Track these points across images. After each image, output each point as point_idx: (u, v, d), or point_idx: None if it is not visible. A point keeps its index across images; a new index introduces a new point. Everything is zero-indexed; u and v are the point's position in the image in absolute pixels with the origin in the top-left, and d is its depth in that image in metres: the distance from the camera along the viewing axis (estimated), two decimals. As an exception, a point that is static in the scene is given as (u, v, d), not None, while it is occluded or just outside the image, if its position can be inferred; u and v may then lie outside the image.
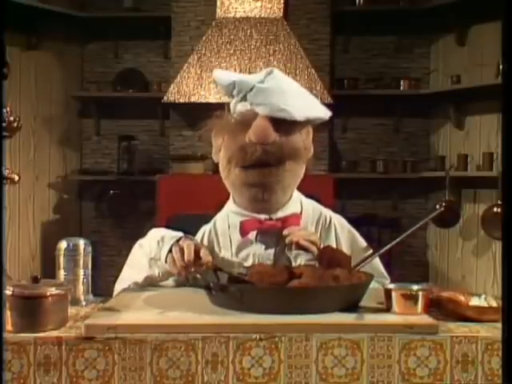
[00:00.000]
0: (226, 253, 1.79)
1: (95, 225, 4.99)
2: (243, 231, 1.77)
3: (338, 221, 1.88)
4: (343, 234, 1.85)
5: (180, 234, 1.63)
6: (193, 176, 4.34)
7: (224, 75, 1.76)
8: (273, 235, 1.75)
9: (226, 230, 1.81)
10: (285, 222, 1.74)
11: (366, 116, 4.87)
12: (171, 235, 1.62)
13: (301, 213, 1.81)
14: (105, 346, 1.28)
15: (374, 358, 1.30)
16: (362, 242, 1.87)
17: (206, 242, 1.80)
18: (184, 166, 4.41)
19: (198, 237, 1.81)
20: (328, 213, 1.88)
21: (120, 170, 4.79)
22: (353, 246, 1.84)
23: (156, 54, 4.94)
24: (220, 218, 1.85)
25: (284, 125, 1.66)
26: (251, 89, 1.67)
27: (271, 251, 1.75)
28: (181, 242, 1.57)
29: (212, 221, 1.86)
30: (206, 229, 1.84)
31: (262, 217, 1.76)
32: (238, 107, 1.74)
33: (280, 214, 1.77)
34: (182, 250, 1.54)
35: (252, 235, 1.76)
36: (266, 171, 1.68)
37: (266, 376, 1.29)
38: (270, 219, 1.76)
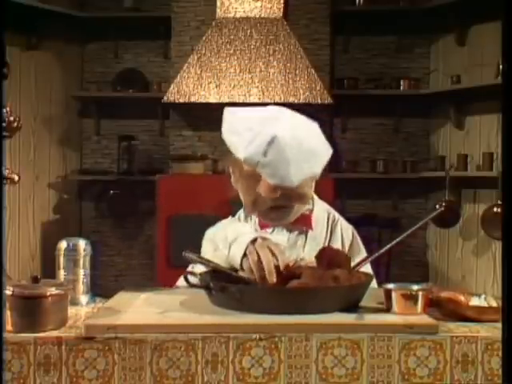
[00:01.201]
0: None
1: (95, 225, 4.99)
2: (261, 223, 1.99)
3: (344, 222, 2.07)
4: (347, 233, 2.03)
5: (251, 232, 1.81)
6: (193, 176, 4.34)
7: (237, 146, 1.86)
8: (286, 227, 1.98)
9: (251, 223, 2.02)
10: (297, 220, 1.97)
11: (365, 116, 4.87)
12: (243, 235, 1.76)
13: (312, 211, 2.02)
14: (105, 346, 1.28)
15: (373, 357, 1.30)
16: (360, 244, 2.04)
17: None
18: (184, 166, 4.41)
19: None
20: (335, 213, 2.08)
21: (120, 170, 4.79)
22: (353, 244, 2.02)
23: (156, 54, 4.94)
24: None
25: None
26: (257, 163, 1.82)
27: (284, 241, 1.95)
28: (257, 247, 1.67)
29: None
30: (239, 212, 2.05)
31: None
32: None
33: None
34: (258, 256, 1.64)
35: (269, 228, 1.99)
36: (279, 214, 1.91)
37: (265, 376, 1.29)
38: None
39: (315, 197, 2.06)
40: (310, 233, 1.99)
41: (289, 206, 1.90)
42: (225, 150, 1.96)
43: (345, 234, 2.03)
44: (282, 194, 1.84)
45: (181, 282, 1.92)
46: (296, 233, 1.99)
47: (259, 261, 1.62)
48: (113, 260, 4.93)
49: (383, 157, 4.79)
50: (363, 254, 1.97)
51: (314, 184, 1.96)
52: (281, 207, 1.90)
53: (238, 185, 1.95)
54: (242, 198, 1.97)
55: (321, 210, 2.05)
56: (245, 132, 1.85)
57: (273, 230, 1.99)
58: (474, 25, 4.47)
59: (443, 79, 4.71)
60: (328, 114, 4.51)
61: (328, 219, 2.05)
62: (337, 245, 1.96)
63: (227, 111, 1.92)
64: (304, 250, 1.96)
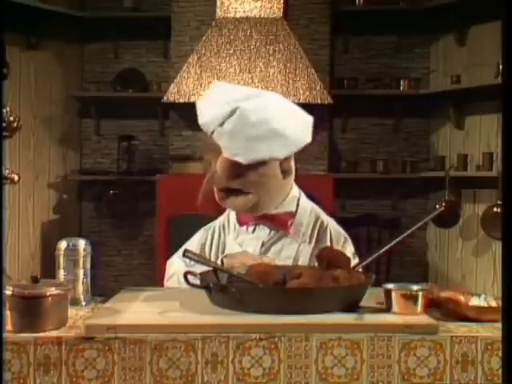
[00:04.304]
0: (230, 236, 1.99)
1: (95, 225, 4.99)
2: (240, 221, 1.97)
3: (334, 228, 1.98)
4: (337, 240, 1.94)
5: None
6: (193, 176, 4.33)
7: (201, 112, 1.88)
8: (265, 227, 1.93)
9: (234, 218, 1.99)
10: (273, 219, 1.92)
11: (365, 116, 4.87)
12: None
13: (296, 213, 1.93)
14: (105, 346, 1.28)
15: (373, 357, 1.30)
16: (352, 251, 1.96)
17: (217, 227, 2.02)
18: (184, 165, 4.41)
19: (217, 222, 2.04)
20: (326, 218, 1.98)
21: (120, 170, 4.79)
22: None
23: (156, 54, 4.94)
24: (227, 212, 2.05)
25: None
26: (213, 131, 1.81)
27: (261, 239, 1.93)
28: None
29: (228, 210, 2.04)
30: (220, 218, 2.06)
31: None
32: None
33: (273, 211, 1.92)
34: None
35: (249, 225, 1.96)
36: (237, 200, 1.87)
37: (265, 376, 1.29)
38: (263, 216, 1.92)
39: (302, 199, 1.97)
40: (288, 239, 1.91)
41: (244, 192, 1.83)
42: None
43: (335, 242, 1.92)
44: (236, 175, 1.80)
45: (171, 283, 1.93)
46: (273, 237, 1.91)
47: None
48: (113, 260, 4.93)
49: (383, 157, 4.78)
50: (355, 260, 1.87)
51: (292, 167, 1.88)
52: (237, 192, 1.83)
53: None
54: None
55: (306, 215, 1.94)
56: (216, 100, 1.81)
57: (253, 230, 1.93)
58: (473, 25, 4.46)
59: (443, 79, 4.70)
60: (328, 114, 4.51)
61: (315, 225, 1.94)
62: None
63: (214, 84, 1.91)
64: (280, 255, 1.88)
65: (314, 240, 1.92)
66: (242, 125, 1.74)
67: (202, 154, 1.94)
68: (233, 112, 1.75)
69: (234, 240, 1.96)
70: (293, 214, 1.92)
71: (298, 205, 1.95)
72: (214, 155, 1.85)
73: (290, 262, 1.86)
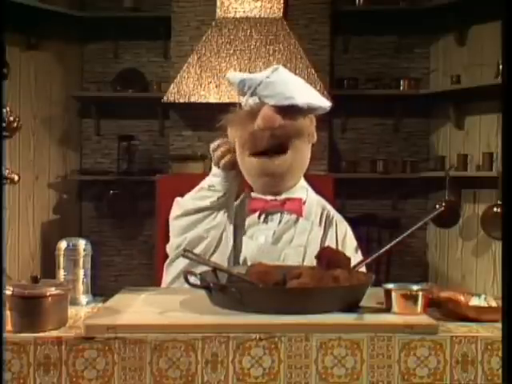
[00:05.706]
0: (239, 231, 1.97)
1: (95, 225, 4.99)
2: (250, 209, 1.96)
3: (339, 219, 2.03)
4: (341, 230, 2.00)
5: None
6: (193, 176, 4.33)
7: (235, 75, 1.99)
8: (275, 214, 1.95)
9: (239, 212, 1.98)
10: (286, 203, 1.94)
11: (365, 116, 4.87)
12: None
13: (305, 202, 1.98)
14: (105, 346, 1.28)
15: (373, 357, 1.30)
16: (354, 241, 2.01)
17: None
18: (184, 165, 4.41)
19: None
20: (331, 209, 2.04)
21: (120, 170, 4.79)
22: (345, 240, 1.99)
23: (156, 54, 4.94)
24: (237, 203, 2.02)
25: (288, 112, 1.86)
26: (259, 84, 1.86)
27: (272, 229, 1.94)
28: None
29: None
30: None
31: (268, 198, 1.96)
32: (249, 102, 1.92)
33: (284, 196, 1.96)
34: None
35: (259, 215, 1.95)
36: (276, 160, 1.88)
37: (265, 376, 1.29)
38: (275, 200, 1.95)
39: (309, 188, 2.03)
40: (298, 227, 1.94)
41: (285, 149, 1.86)
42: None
43: (339, 232, 1.98)
44: (280, 126, 1.83)
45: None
46: (283, 226, 1.94)
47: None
48: (113, 260, 4.93)
49: (383, 157, 4.79)
50: (353, 250, 1.94)
51: (315, 133, 1.95)
52: (276, 152, 1.85)
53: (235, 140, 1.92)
54: (236, 146, 1.91)
55: (314, 204, 2.00)
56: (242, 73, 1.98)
57: (265, 219, 1.95)
58: (473, 25, 4.46)
59: (443, 79, 4.71)
60: (328, 114, 4.50)
61: (322, 215, 1.99)
62: (331, 243, 1.93)
63: (229, 73, 2.05)
64: (291, 245, 1.92)
65: (322, 229, 1.97)
66: (286, 77, 1.88)
67: (230, 124, 1.93)
68: (275, 69, 1.88)
69: (243, 235, 1.96)
70: (303, 202, 1.97)
71: (306, 195, 2.00)
72: (241, 125, 1.89)
73: (301, 251, 1.91)
